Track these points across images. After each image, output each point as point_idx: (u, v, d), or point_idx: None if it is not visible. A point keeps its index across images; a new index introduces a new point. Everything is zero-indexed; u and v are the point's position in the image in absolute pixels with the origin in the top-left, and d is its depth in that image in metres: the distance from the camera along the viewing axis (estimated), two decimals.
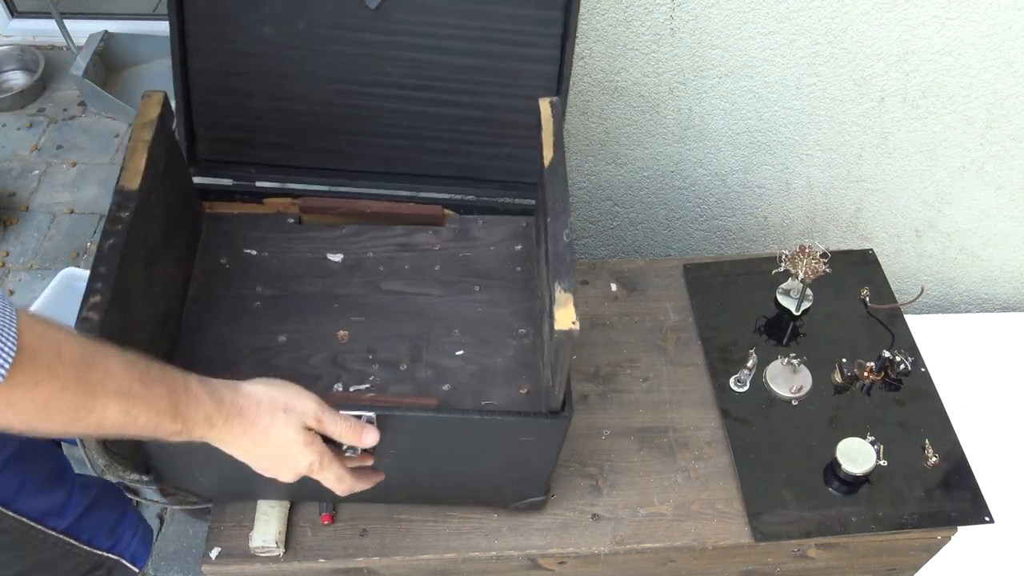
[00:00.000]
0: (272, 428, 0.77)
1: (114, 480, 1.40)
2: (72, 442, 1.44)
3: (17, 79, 2.77)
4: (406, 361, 0.99)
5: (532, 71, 1.07)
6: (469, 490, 1.04)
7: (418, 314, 1.03)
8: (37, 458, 0.95)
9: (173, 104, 1.00)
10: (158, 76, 2.76)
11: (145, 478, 1.45)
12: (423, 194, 1.12)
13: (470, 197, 1.12)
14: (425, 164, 1.12)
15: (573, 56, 1.06)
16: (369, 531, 1.07)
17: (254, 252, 1.07)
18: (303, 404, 0.80)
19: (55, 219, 2.39)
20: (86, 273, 1.95)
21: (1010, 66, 1.36)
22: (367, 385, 0.98)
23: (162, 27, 2.89)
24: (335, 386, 0.97)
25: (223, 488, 1.00)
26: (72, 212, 2.42)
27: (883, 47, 1.35)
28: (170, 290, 0.98)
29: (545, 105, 0.99)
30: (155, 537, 1.69)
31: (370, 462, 0.90)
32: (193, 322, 1.01)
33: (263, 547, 1.02)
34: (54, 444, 1.53)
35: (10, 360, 0.58)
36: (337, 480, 0.84)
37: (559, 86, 1.07)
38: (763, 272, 1.33)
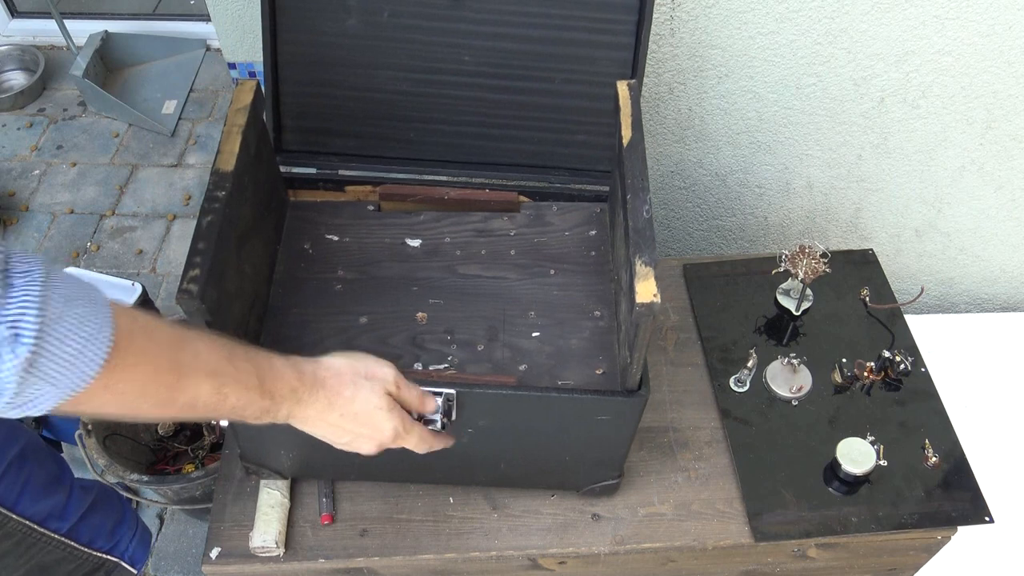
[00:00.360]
0: (357, 397, 0.79)
1: (114, 480, 1.40)
2: (72, 443, 1.44)
3: (17, 79, 2.77)
4: (483, 342, 1.01)
5: (607, 57, 1.08)
6: (545, 471, 1.05)
7: (495, 296, 1.06)
8: (39, 461, 0.95)
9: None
10: (158, 76, 2.76)
11: (145, 478, 1.45)
12: (498, 181, 1.14)
13: (544, 183, 1.14)
14: (500, 152, 1.14)
15: (648, 41, 1.07)
16: (369, 531, 1.07)
17: (336, 238, 1.10)
18: (383, 371, 0.82)
19: (55, 219, 2.39)
20: (87, 273, 1.96)
21: (1010, 66, 1.36)
22: (445, 364, 1.00)
23: (162, 27, 2.91)
24: (415, 365, 0.99)
25: (305, 467, 1.02)
26: (72, 212, 2.42)
27: (883, 47, 1.35)
28: (258, 272, 1.01)
29: (623, 87, 1.01)
30: (155, 537, 1.69)
31: (451, 442, 0.93)
32: (278, 303, 1.04)
33: (263, 547, 1.02)
34: (54, 447, 1.53)
35: (110, 344, 0.59)
36: (420, 441, 0.87)
37: (633, 71, 1.09)
38: (763, 272, 1.33)
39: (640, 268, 0.84)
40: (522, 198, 1.13)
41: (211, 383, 0.68)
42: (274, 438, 0.96)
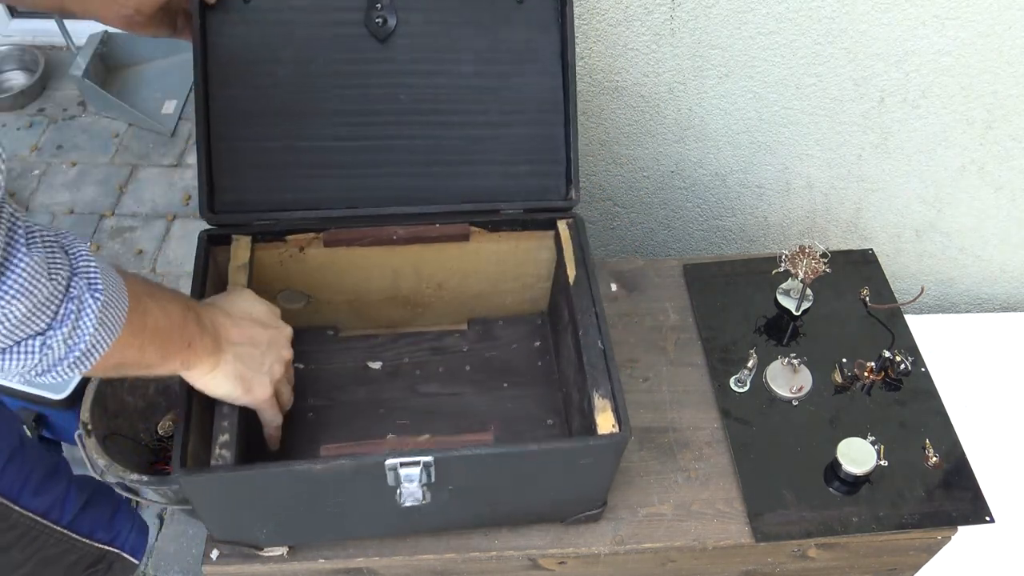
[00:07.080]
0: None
1: (114, 480, 1.40)
2: (72, 442, 1.44)
3: (17, 79, 2.77)
4: None
5: (536, 84, 1.10)
6: (528, 512, 1.06)
7: (455, 414, 1.12)
8: (37, 454, 0.95)
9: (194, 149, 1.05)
10: (158, 76, 2.76)
11: (145, 478, 1.45)
12: (447, 214, 1.13)
13: (495, 212, 1.13)
14: (446, 192, 1.12)
15: (575, 63, 1.09)
16: None
17: (301, 366, 1.14)
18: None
19: (55, 219, 2.39)
20: None
21: (1010, 66, 1.36)
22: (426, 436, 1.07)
23: None
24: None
25: (283, 533, 1.01)
26: (72, 212, 2.42)
27: (883, 47, 1.35)
28: (252, 415, 1.04)
29: (563, 227, 1.09)
30: (155, 537, 1.69)
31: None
32: (260, 440, 1.07)
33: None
34: (54, 447, 1.53)
35: (127, 301, 0.69)
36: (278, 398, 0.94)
37: (565, 94, 1.09)
38: (763, 272, 1.33)
39: (598, 401, 0.92)
40: (473, 228, 1.12)
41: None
42: (244, 511, 0.95)
